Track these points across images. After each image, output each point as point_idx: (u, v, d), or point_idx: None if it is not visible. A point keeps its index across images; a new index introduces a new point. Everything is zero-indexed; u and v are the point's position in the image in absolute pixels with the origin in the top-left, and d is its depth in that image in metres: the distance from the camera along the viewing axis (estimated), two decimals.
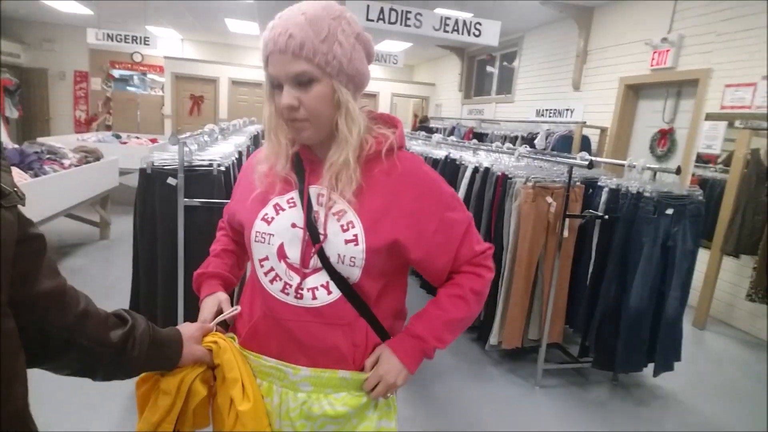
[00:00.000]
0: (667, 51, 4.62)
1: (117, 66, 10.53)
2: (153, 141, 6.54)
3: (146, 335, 0.77)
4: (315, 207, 0.87)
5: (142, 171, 2.07)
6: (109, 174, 4.52)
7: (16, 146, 3.57)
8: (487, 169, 3.02)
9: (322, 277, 0.87)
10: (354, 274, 0.87)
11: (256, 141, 4.51)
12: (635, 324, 2.54)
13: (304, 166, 0.90)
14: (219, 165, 2.17)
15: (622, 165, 2.81)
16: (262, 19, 7.75)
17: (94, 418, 2.07)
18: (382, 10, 3.98)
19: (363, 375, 0.90)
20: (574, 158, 2.70)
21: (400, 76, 11.74)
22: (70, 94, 10.36)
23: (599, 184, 2.76)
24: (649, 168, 2.67)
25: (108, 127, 10.02)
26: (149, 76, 10.76)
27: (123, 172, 4.95)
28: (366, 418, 0.92)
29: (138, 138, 6.79)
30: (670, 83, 4.77)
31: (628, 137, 5.40)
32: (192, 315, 2.05)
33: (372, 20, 3.97)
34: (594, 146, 5.56)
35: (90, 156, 4.23)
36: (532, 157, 3.03)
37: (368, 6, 3.96)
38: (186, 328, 0.88)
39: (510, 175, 2.80)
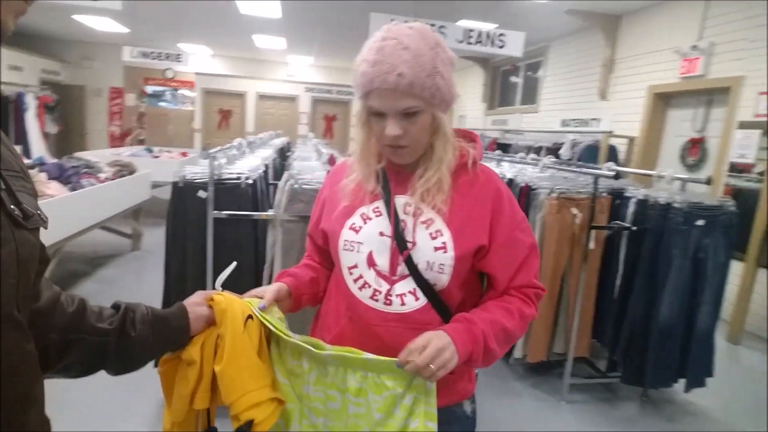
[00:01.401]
0: (698, 59, 4.52)
1: (150, 82, 10.94)
2: (184, 155, 6.76)
3: (146, 315, 0.76)
4: (402, 216, 0.92)
5: (175, 184, 2.15)
6: (142, 187, 4.69)
7: (56, 161, 3.75)
8: (510, 180, 3.01)
9: (410, 284, 0.91)
10: (442, 280, 0.90)
11: (282, 154, 4.62)
12: (666, 338, 2.47)
13: (389, 176, 0.95)
14: (247, 178, 2.24)
15: (651, 175, 2.76)
16: (289, 35, 7.94)
17: (126, 418, 2.14)
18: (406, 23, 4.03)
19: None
20: (600, 168, 2.67)
21: None
22: (105, 109, 10.80)
23: (626, 195, 2.71)
24: (678, 178, 2.62)
25: (141, 142, 10.38)
26: (180, 91, 11.14)
27: (155, 185, 5.12)
28: (405, 409, 0.82)
29: (169, 152, 7.02)
30: (700, 91, 4.66)
31: (657, 147, 5.28)
32: None
33: None
34: (621, 156, 5.46)
35: (124, 170, 4.40)
36: (557, 167, 3.01)
37: (392, 20, 4.02)
38: (188, 299, 0.86)
39: (534, 186, 2.78)
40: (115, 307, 0.77)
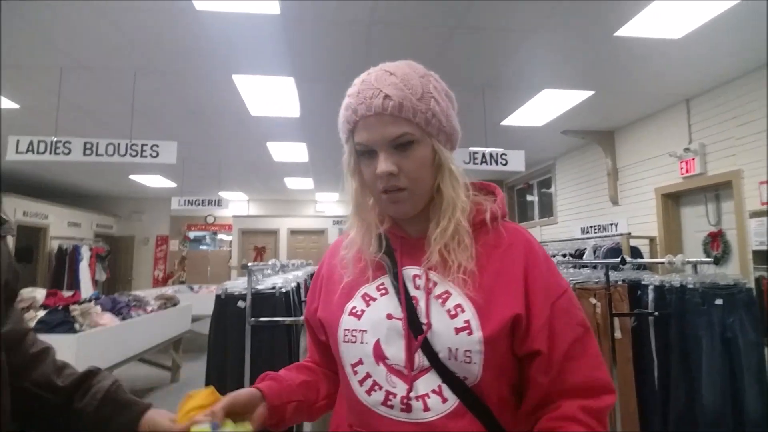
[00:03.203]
0: (693, 160, 4.84)
1: (192, 228, 11.92)
2: None
3: (104, 390, 0.68)
4: (412, 292, 0.73)
5: (218, 297, 2.40)
6: (184, 318, 4.96)
7: (110, 296, 4.11)
8: None
9: (433, 380, 0.69)
10: (472, 372, 0.68)
11: (311, 277, 4.90)
12: (715, 425, 2.34)
13: (394, 245, 0.78)
14: (281, 288, 2.47)
15: (662, 263, 2.86)
16: (315, 176, 8.81)
17: None
18: None
19: None
20: (610, 261, 2.81)
21: None
22: (151, 256, 11.65)
23: (644, 283, 2.80)
24: (688, 262, 2.72)
25: (182, 282, 10.96)
26: (219, 235, 12.04)
27: (195, 319, 5.40)
28: None
29: (208, 287, 7.43)
30: (705, 188, 4.88)
31: (679, 243, 5.35)
32: None
33: None
34: (645, 255, 5.53)
35: (168, 302, 4.72)
36: (569, 262, 3.15)
37: None
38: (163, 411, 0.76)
39: None
40: (86, 370, 0.70)
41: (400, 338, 0.70)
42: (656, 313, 2.59)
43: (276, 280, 2.78)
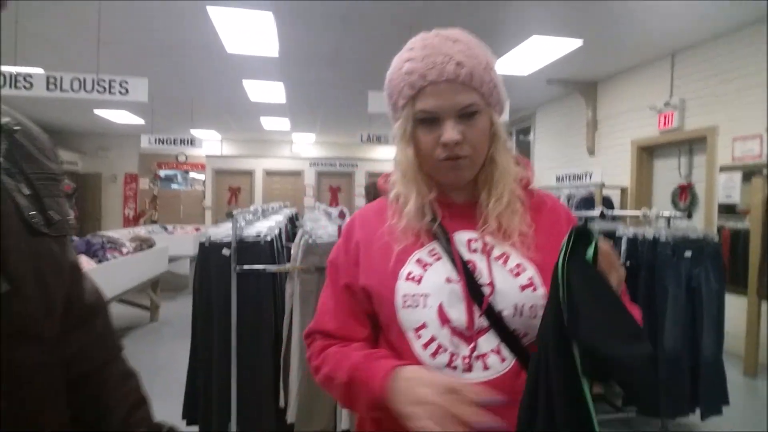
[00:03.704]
0: (672, 113, 4.90)
1: (163, 167, 11.55)
2: (197, 230, 7.05)
3: None
4: (467, 256, 0.74)
5: (201, 245, 2.37)
6: (161, 259, 4.92)
7: (82, 238, 4.01)
8: None
9: (492, 340, 0.71)
10: (536, 327, 0.70)
11: (292, 221, 4.87)
12: (673, 367, 2.54)
13: (442, 212, 0.77)
14: (266, 236, 2.45)
15: (637, 216, 2.96)
16: (293, 116, 8.55)
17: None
18: None
19: None
20: (588, 213, 2.89)
21: None
22: (120, 194, 11.32)
23: (618, 235, 2.90)
24: (662, 216, 2.82)
25: (154, 222, 10.77)
26: (191, 174, 11.72)
27: (171, 259, 5.35)
28: None
29: (183, 228, 7.34)
30: (680, 142, 4.99)
31: (649, 195, 5.53)
32: (244, 375, 2.22)
33: None
34: (617, 205, 5.70)
35: (144, 244, 4.65)
36: None
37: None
38: None
39: None
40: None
41: (461, 301, 0.71)
42: (627, 263, 2.71)
43: (259, 227, 2.76)
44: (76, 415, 0.57)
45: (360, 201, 10.45)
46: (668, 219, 2.82)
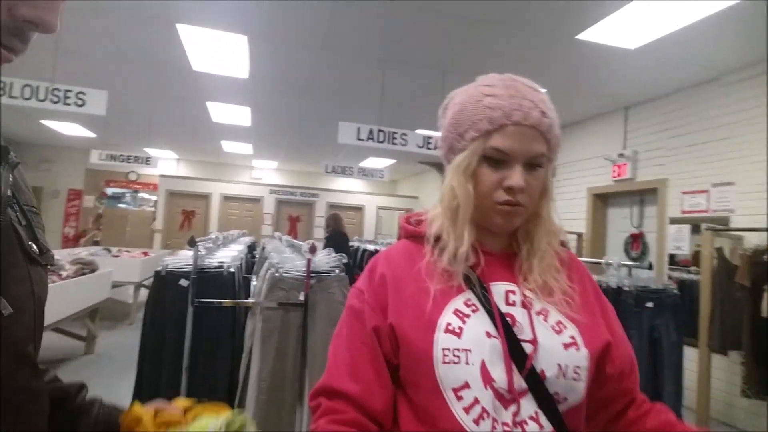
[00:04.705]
0: (625, 164, 5.16)
1: (112, 185, 10.96)
2: (145, 254, 6.64)
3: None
4: (504, 308, 0.69)
5: (157, 273, 2.19)
6: (103, 286, 4.55)
7: None
8: None
9: (531, 405, 0.64)
10: (578, 391, 0.66)
11: (251, 250, 4.68)
12: None
13: (477, 258, 0.72)
14: (229, 267, 2.30)
15: (600, 263, 3.02)
16: (256, 141, 8.39)
17: None
18: (371, 131, 4.47)
19: None
20: None
21: (385, 190, 12.43)
22: (61, 211, 10.60)
23: None
24: (624, 265, 2.89)
25: (96, 243, 10.10)
26: (140, 194, 11.18)
27: (115, 285, 4.97)
28: None
29: (129, 251, 6.89)
30: (632, 192, 5.24)
31: (603, 241, 5.74)
32: None
33: (362, 139, 4.43)
34: (573, 250, 5.86)
35: (86, 268, 4.30)
36: None
37: (359, 128, 4.45)
38: None
39: None
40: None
41: (501, 359, 0.65)
42: None
43: (220, 256, 2.60)
44: None
45: (319, 231, 10.28)
46: (629, 268, 2.89)
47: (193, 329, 2.11)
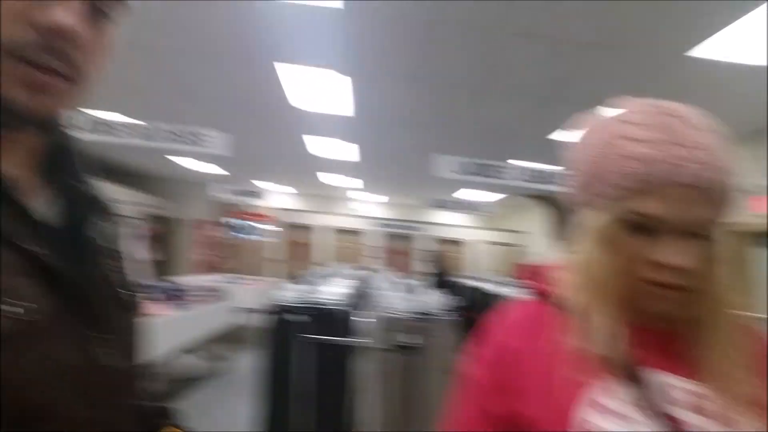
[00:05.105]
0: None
1: (233, 216, 12.07)
2: (265, 283, 7.18)
3: None
4: (669, 408, 0.52)
5: (271, 309, 2.31)
6: (233, 312, 4.96)
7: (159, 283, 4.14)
8: None
9: None
10: None
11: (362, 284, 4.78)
12: None
13: (631, 339, 0.54)
14: (342, 304, 2.37)
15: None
16: (365, 177, 8.72)
17: None
18: (468, 164, 4.46)
19: None
20: None
21: (487, 223, 12.12)
22: (192, 240, 11.84)
23: None
24: None
25: (224, 270, 11.10)
26: (261, 225, 12.16)
27: (240, 311, 5.39)
28: None
29: (251, 279, 7.49)
30: None
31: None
32: None
33: (459, 172, 4.40)
34: None
35: (218, 295, 4.72)
36: None
37: (459, 162, 4.44)
38: None
39: None
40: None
41: None
42: None
43: (333, 292, 2.68)
44: None
45: (420, 265, 10.29)
46: None
47: (305, 364, 2.18)
